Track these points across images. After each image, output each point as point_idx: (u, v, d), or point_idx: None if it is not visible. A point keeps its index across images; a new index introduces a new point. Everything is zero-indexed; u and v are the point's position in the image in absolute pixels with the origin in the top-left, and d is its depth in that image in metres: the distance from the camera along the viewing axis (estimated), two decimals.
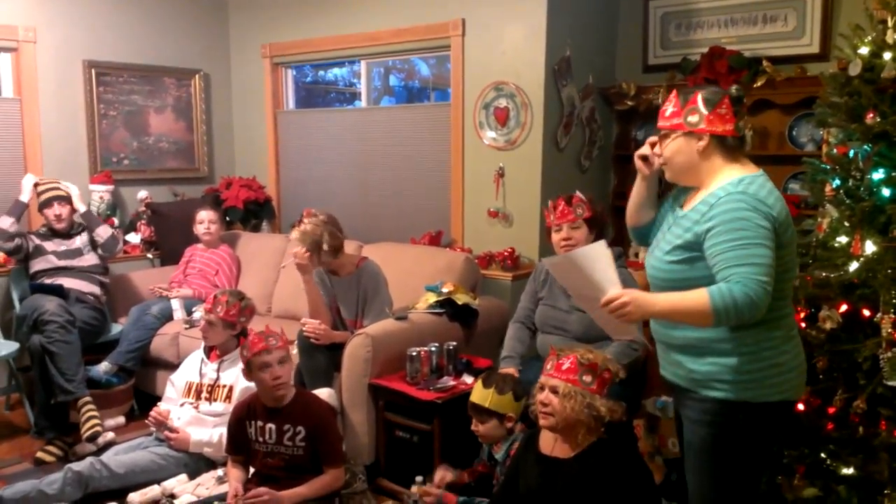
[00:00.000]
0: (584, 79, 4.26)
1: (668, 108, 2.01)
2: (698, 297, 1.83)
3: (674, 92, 2.02)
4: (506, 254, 4.10)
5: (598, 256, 1.92)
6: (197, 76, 5.33)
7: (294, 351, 3.28)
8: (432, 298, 3.68)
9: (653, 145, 2.11)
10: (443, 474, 2.88)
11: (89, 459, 3.01)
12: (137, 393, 4.18)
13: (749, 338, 1.92)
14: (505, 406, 2.71)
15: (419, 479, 2.88)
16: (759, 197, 1.89)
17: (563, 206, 3.06)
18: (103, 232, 4.30)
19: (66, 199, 4.22)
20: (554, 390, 2.28)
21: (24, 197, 4.20)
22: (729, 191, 1.91)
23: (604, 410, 2.25)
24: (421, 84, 6.44)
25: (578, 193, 3.10)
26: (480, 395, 2.74)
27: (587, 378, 2.27)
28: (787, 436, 2.39)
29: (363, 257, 3.67)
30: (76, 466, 2.93)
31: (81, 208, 4.31)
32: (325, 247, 3.37)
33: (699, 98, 1.95)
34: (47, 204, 4.17)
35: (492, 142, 4.25)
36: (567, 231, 3.04)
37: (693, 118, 1.96)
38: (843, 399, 2.45)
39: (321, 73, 6.09)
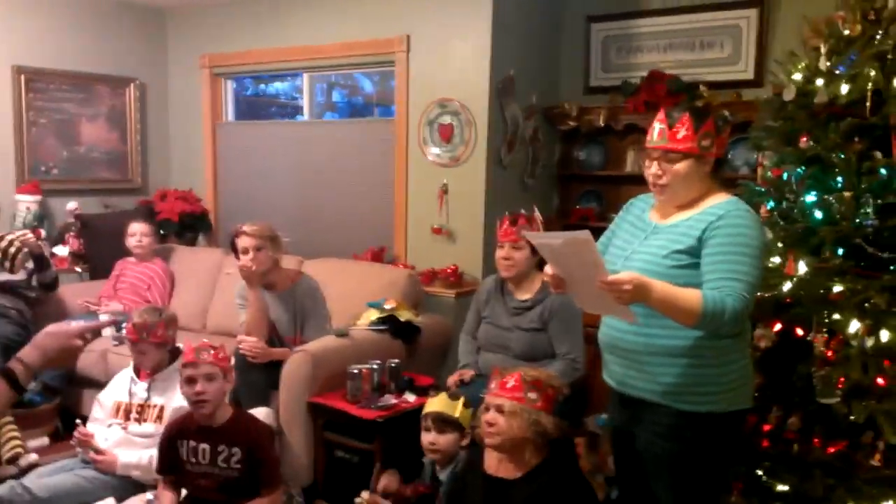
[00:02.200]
0: (527, 98, 4.30)
1: (681, 131, 2.00)
2: (692, 296, 1.88)
3: (686, 115, 2.01)
4: (449, 271, 4.09)
5: (587, 245, 1.84)
6: (132, 85, 5.19)
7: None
8: (374, 315, 3.64)
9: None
10: (387, 482, 2.80)
11: (10, 483, 2.84)
12: (63, 413, 3.99)
13: (727, 347, 2.02)
14: (467, 421, 2.68)
15: (359, 500, 2.82)
16: (758, 220, 2.02)
17: (507, 224, 3.07)
18: (49, 275, 4.10)
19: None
20: (499, 409, 2.26)
21: None
22: (736, 207, 2.00)
23: (550, 427, 2.24)
24: (364, 100, 6.41)
25: (537, 214, 3.11)
26: (448, 405, 2.70)
27: (532, 395, 2.26)
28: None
29: (299, 272, 3.61)
30: None
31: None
32: (279, 240, 3.40)
33: (713, 122, 2.01)
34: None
35: (436, 158, 4.25)
36: (508, 250, 3.06)
37: (706, 142, 2.01)
38: (778, 416, 2.50)
39: (262, 86, 6.00)
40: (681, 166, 2.02)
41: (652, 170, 2.08)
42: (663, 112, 2.06)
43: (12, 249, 3.66)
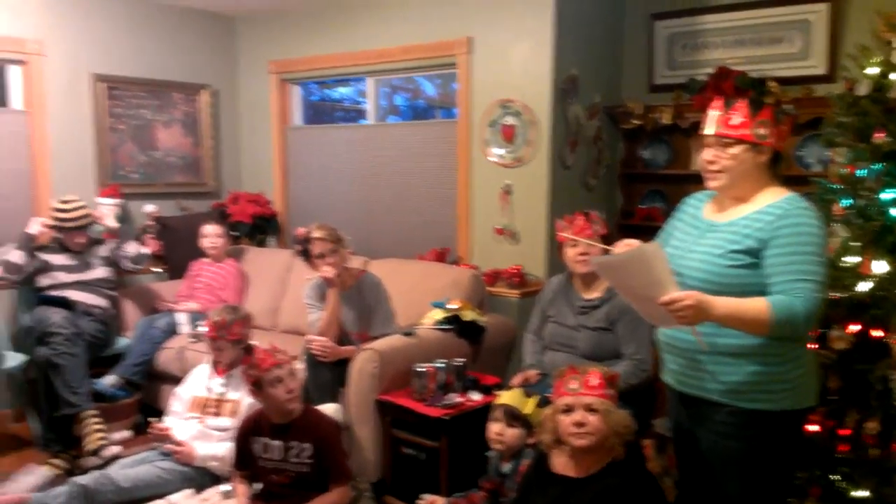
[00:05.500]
0: (590, 98, 4.28)
1: (735, 118, 1.98)
2: (758, 307, 1.85)
3: (742, 102, 2.00)
4: (512, 271, 4.10)
5: (655, 257, 1.86)
6: (205, 91, 5.36)
7: (300, 366, 3.27)
8: (439, 315, 3.68)
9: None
10: None
11: (95, 473, 3.00)
12: (144, 407, 4.17)
13: (790, 344, 1.96)
14: (537, 419, 2.69)
15: (425, 497, 2.86)
16: (818, 216, 1.96)
17: (582, 220, 3.07)
18: (131, 249, 4.33)
19: (85, 228, 4.19)
20: (590, 408, 2.20)
21: (33, 229, 4.07)
22: (796, 205, 1.96)
23: (629, 420, 2.23)
24: (426, 104, 6.46)
25: (594, 213, 3.13)
26: (520, 400, 2.71)
27: (611, 391, 2.25)
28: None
29: (362, 270, 3.69)
30: (81, 480, 2.92)
31: (113, 225, 4.38)
32: (344, 238, 3.51)
33: (772, 112, 1.97)
34: (68, 231, 4.12)
35: (498, 159, 4.26)
36: (584, 246, 3.04)
37: (762, 131, 1.97)
38: (855, 420, 2.44)
39: (327, 91, 6.12)
40: (734, 152, 1.98)
41: (705, 156, 2.05)
42: (720, 100, 2.04)
43: (77, 213, 4.11)
